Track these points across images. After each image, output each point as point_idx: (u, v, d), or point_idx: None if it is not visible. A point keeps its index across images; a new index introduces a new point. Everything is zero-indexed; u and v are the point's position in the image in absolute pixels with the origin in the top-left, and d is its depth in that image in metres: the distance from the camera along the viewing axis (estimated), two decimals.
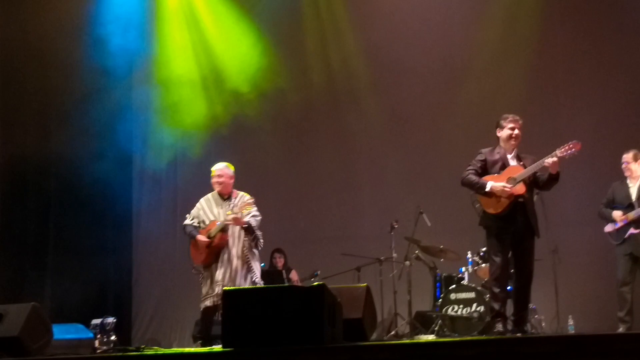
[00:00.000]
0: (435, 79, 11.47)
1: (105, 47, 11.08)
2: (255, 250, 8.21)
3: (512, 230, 7.29)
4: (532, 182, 7.37)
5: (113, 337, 9.49)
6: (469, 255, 9.62)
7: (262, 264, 9.93)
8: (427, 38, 11.50)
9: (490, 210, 7.36)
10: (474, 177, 7.42)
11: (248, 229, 8.06)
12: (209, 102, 12.02)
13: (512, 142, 7.40)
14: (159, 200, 12.15)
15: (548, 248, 9.55)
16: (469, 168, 7.48)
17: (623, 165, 8.84)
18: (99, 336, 9.32)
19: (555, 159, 7.10)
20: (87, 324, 9.41)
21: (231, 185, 8.22)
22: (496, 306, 7.35)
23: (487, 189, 7.28)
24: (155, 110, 12.09)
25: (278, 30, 11.95)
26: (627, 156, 8.84)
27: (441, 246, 9.85)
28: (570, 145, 7.12)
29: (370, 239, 10.93)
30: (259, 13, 11.95)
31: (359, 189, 11.79)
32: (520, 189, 7.23)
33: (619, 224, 8.68)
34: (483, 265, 9.42)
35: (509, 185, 7.22)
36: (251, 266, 8.09)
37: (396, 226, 9.95)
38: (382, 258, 10.17)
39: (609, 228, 8.84)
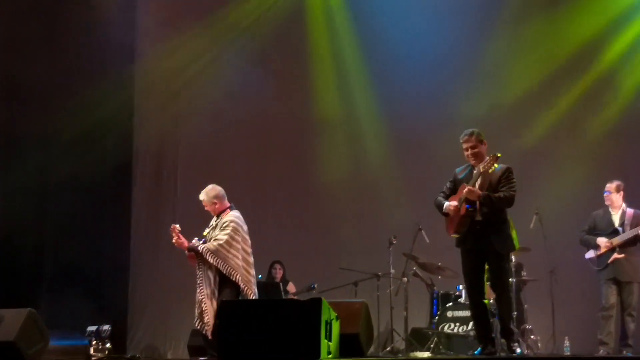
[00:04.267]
0: (434, 100, 11.51)
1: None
2: (208, 287, 7.63)
3: (475, 251, 7.24)
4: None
5: (108, 345, 9.48)
6: None
7: (259, 276, 9.94)
8: (426, 62, 11.60)
9: (448, 232, 7.42)
10: (439, 199, 7.46)
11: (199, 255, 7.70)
12: (210, 111, 12.06)
13: (472, 160, 7.35)
14: (157, 210, 12.13)
15: (546, 268, 9.57)
16: (441, 191, 7.54)
17: (605, 195, 9.04)
18: (94, 343, 9.31)
19: (468, 187, 7.06)
20: (82, 331, 9.40)
21: (217, 208, 7.92)
22: (476, 329, 7.49)
23: (443, 210, 7.35)
24: (155, 112, 12.15)
25: (284, 54, 12.09)
26: (610, 186, 9.03)
27: (439, 263, 9.83)
28: (489, 159, 7.05)
29: (368, 254, 10.91)
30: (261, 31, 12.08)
31: (358, 203, 11.80)
32: (461, 210, 7.17)
33: (602, 250, 8.83)
34: None
35: (455, 203, 7.21)
36: (203, 305, 7.62)
37: (394, 242, 9.93)
38: (379, 273, 10.15)
39: (590, 254, 9.03)
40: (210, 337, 7.51)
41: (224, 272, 7.55)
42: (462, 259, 7.38)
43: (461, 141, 7.37)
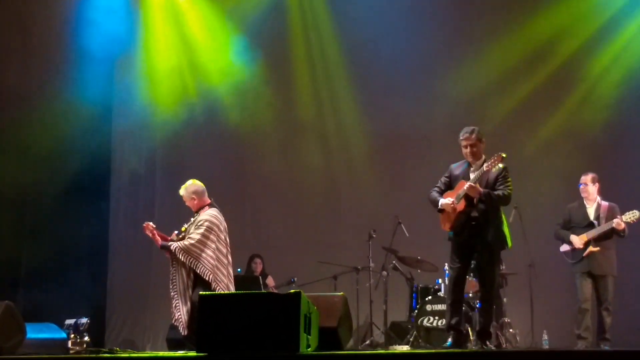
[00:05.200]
0: (412, 96, 11.53)
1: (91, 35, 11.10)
2: (180, 283, 7.65)
3: (468, 245, 7.33)
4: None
5: (86, 338, 9.41)
6: (446, 267, 9.63)
7: (239, 270, 9.92)
8: (406, 59, 11.61)
9: (443, 227, 7.49)
10: (434, 195, 7.53)
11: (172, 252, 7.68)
12: (188, 106, 11.97)
13: (470, 157, 7.43)
14: (136, 203, 12.08)
15: (524, 262, 9.61)
16: (435, 186, 7.60)
17: (581, 187, 9.01)
18: (72, 336, 9.25)
19: (469, 184, 7.14)
20: (60, 324, 9.33)
21: (195, 204, 7.91)
22: (448, 319, 7.46)
23: (439, 206, 7.41)
24: (132, 115, 12.06)
25: (263, 35, 12.00)
26: (586, 178, 8.99)
27: (418, 257, 9.87)
28: (494, 158, 7.15)
29: (348, 248, 10.94)
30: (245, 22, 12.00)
31: (337, 197, 11.82)
32: (460, 205, 7.27)
33: (577, 246, 8.81)
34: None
35: (451, 199, 7.30)
36: (174, 302, 7.66)
37: (374, 236, 9.96)
38: (359, 267, 10.17)
39: (565, 247, 9.00)
40: (183, 333, 7.53)
41: (196, 270, 7.55)
42: (453, 250, 7.44)
43: (461, 138, 7.41)
